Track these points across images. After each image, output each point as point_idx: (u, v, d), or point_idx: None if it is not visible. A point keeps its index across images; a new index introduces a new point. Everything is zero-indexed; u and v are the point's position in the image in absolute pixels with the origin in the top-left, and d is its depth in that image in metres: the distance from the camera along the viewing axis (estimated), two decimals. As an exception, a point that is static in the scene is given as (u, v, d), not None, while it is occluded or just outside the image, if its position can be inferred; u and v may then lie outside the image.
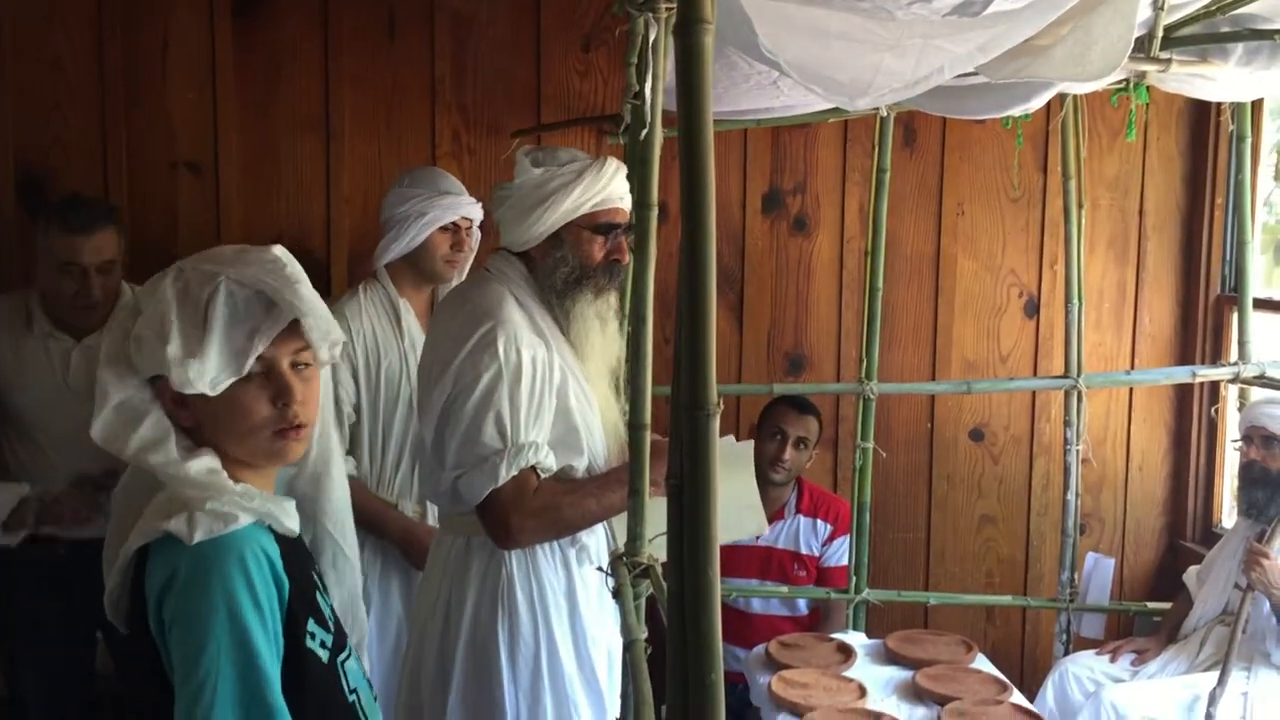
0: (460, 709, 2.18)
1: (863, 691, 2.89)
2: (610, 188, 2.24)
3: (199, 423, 1.52)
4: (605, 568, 1.85)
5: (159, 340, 1.47)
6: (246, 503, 1.47)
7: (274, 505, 1.51)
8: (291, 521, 1.53)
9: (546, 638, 2.18)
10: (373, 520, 2.82)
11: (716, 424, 0.89)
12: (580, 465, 2.24)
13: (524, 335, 2.17)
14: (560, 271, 2.25)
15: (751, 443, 2.67)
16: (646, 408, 1.67)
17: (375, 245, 3.06)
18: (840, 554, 3.64)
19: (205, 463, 1.50)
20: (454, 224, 3.02)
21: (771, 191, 3.96)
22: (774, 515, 3.65)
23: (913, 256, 3.99)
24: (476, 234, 3.08)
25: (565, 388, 2.21)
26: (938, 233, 4.00)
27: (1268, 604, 3.04)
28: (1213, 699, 2.99)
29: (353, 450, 2.91)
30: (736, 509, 2.50)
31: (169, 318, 1.47)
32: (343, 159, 3.62)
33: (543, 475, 2.17)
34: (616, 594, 1.69)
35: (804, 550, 3.66)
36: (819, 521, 3.68)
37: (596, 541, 2.28)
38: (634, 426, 1.69)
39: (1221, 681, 3.01)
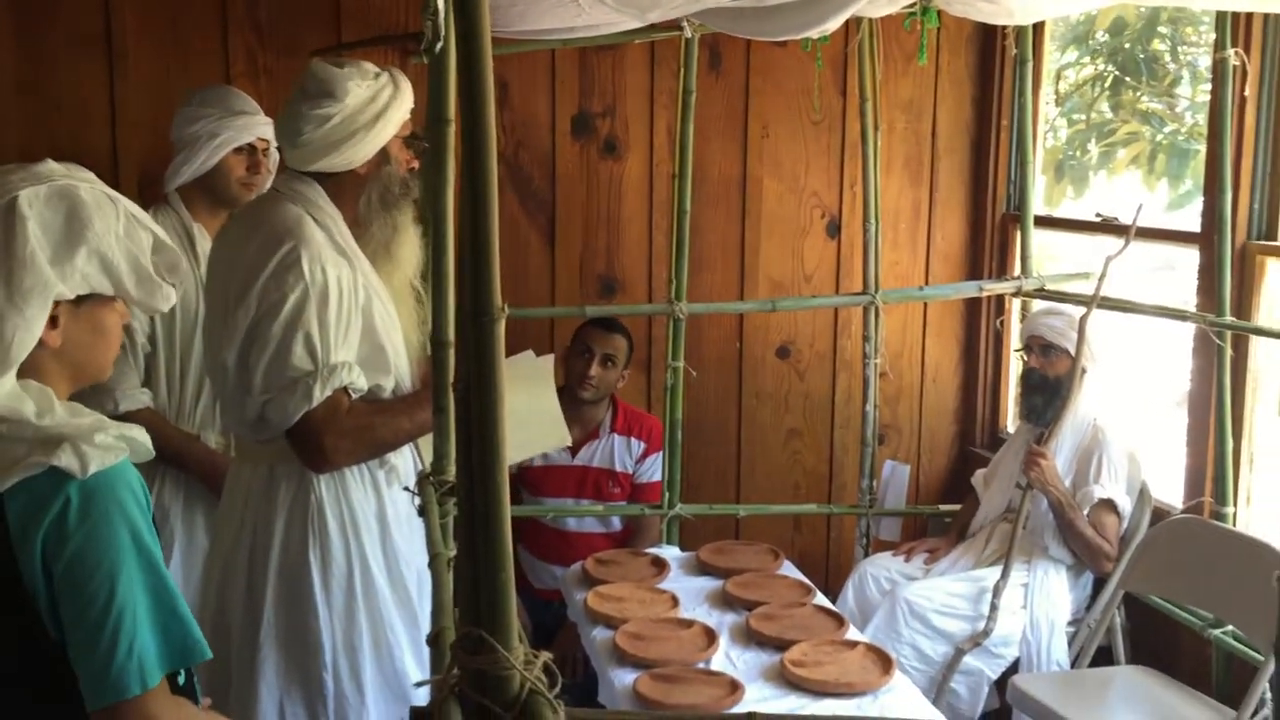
0: (273, 638, 2.16)
1: (675, 602, 2.99)
2: (409, 98, 2.25)
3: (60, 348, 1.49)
4: (413, 488, 1.85)
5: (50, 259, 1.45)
6: (127, 431, 1.47)
7: (135, 431, 1.50)
8: (149, 444, 1.52)
9: (359, 560, 2.17)
10: (174, 453, 2.74)
11: (501, 329, 0.90)
12: (388, 385, 2.23)
13: (328, 254, 2.13)
14: (393, 186, 2.25)
15: (551, 357, 2.70)
16: (450, 325, 1.67)
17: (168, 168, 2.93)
18: (654, 471, 3.73)
19: (46, 393, 1.46)
20: (249, 145, 2.91)
21: (580, 115, 3.95)
22: (589, 435, 3.71)
23: (720, 179, 4.06)
24: (275, 156, 2.98)
25: (370, 307, 2.19)
26: (744, 156, 4.07)
27: (1045, 501, 3.26)
28: (997, 591, 3.21)
29: (149, 382, 2.80)
30: (538, 423, 2.54)
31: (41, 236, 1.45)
32: (128, 79, 3.43)
33: (354, 396, 2.15)
34: (424, 512, 1.70)
35: (619, 468, 3.73)
36: (633, 440, 3.75)
37: (405, 463, 2.28)
38: (437, 344, 1.69)
39: (1005, 574, 3.23)
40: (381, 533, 2.21)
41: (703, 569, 3.28)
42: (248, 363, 2.10)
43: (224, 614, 2.23)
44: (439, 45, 1.64)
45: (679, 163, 3.57)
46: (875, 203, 3.72)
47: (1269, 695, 2.65)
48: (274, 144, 2.97)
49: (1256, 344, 3.14)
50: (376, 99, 2.20)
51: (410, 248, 2.29)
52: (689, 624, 2.85)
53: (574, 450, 3.70)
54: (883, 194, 3.84)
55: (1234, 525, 3.11)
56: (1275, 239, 3.10)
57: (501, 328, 0.91)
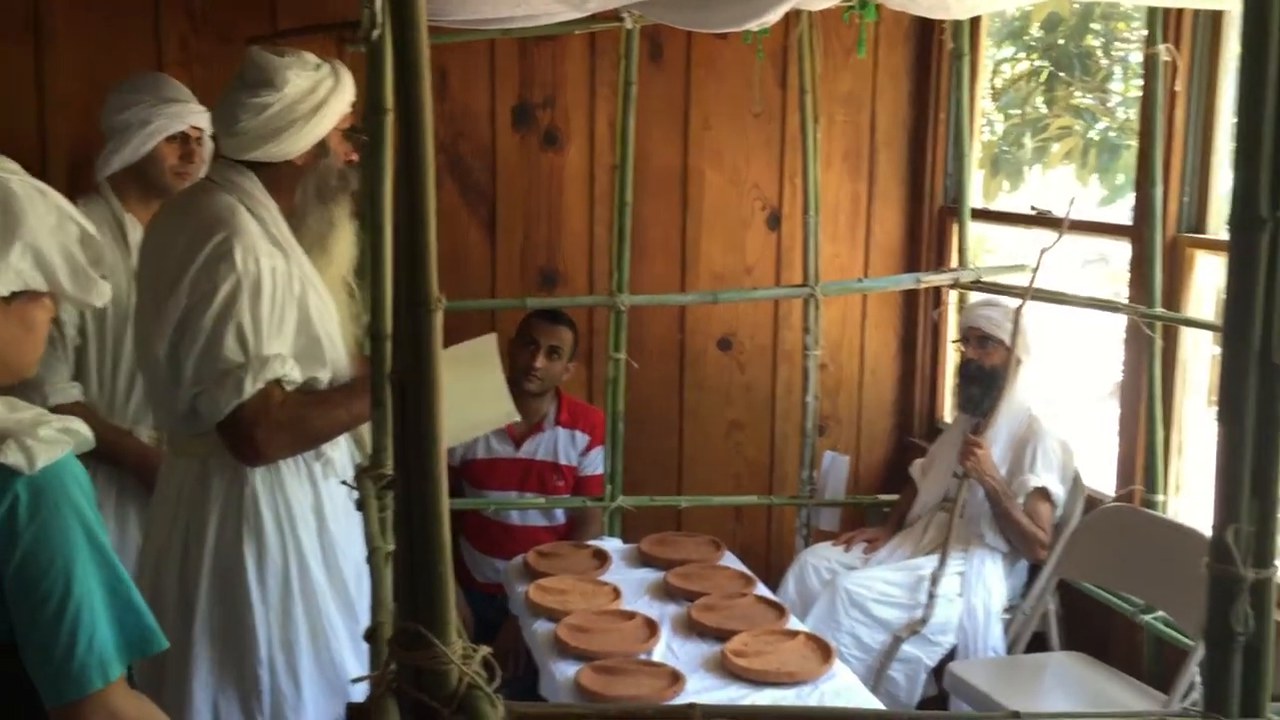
0: (207, 634, 2.13)
1: (617, 594, 2.99)
2: (350, 89, 2.22)
3: None
4: (350, 481, 1.84)
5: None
6: (69, 424, 1.45)
7: (76, 424, 1.47)
8: (90, 436, 1.49)
9: (296, 554, 2.14)
10: (107, 449, 2.68)
11: (438, 320, 0.90)
12: (324, 377, 2.20)
13: (261, 245, 2.10)
14: (331, 178, 2.23)
15: (493, 335, 2.69)
16: (387, 317, 1.65)
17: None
18: (597, 463, 3.73)
19: None
20: (182, 134, 2.86)
21: (521, 105, 3.93)
22: (533, 428, 3.70)
23: (661, 171, 4.06)
24: (209, 144, 2.93)
25: (306, 299, 2.16)
26: (685, 147, 4.08)
27: (982, 490, 3.31)
28: (934, 579, 3.25)
29: (80, 376, 2.74)
30: (485, 401, 2.53)
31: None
32: (57, 65, 3.35)
33: (288, 388, 2.12)
34: (362, 506, 1.68)
35: (563, 461, 3.73)
36: (577, 433, 3.74)
37: (341, 455, 2.26)
38: (375, 337, 1.67)
39: (942, 563, 3.27)
40: (318, 526, 2.18)
41: (644, 561, 3.28)
42: (178, 355, 2.06)
43: (157, 610, 2.17)
44: (376, 33, 1.62)
45: (620, 154, 3.56)
46: (815, 195, 3.74)
47: (1198, 679, 2.71)
48: (208, 132, 2.92)
49: (1186, 335, 3.21)
50: (316, 90, 2.17)
51: (345, 243, 2.27)
52: (630, 616, 2.86)
53: (518, 443, 3.69)
54: (822, 186, 3.87)
55: (1164, 513, 3.17)
56: (1205, 232, 3.17)
57: (439, 319, 0.90)
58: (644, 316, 4.02)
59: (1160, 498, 3.18)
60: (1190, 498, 3.24)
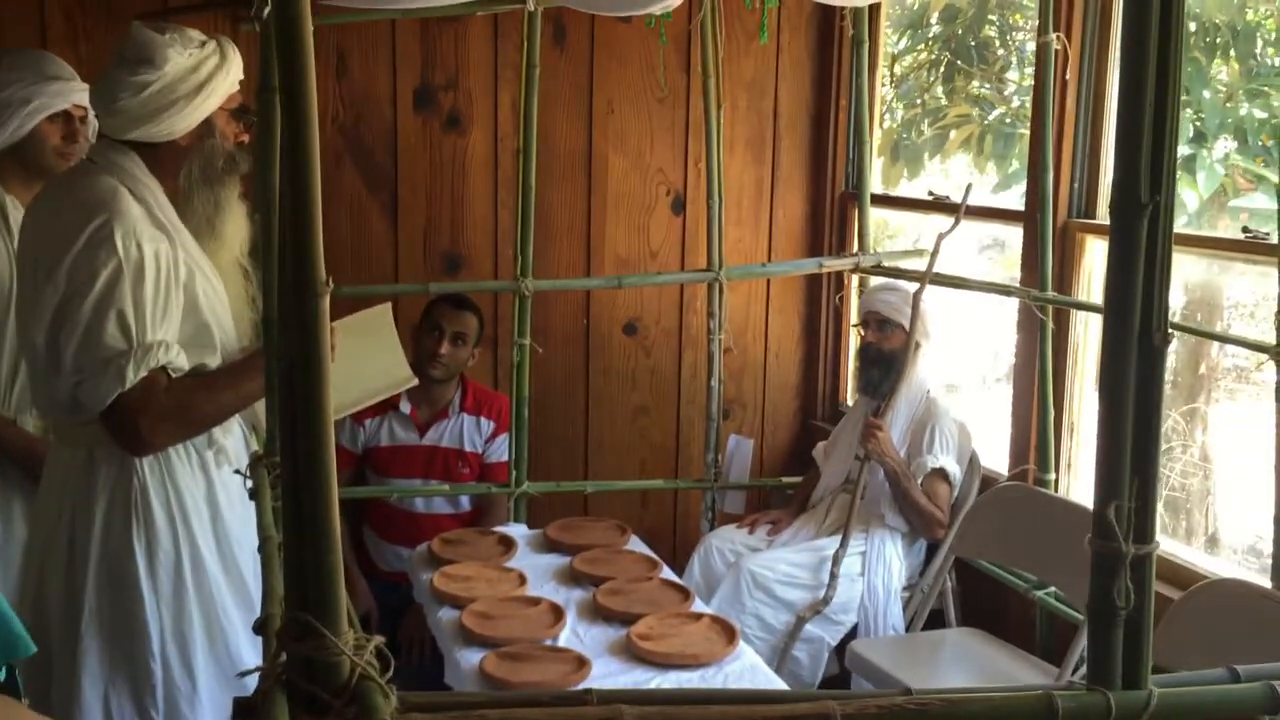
0: (95, 628, 2.06)
1: (523, 580, 2.98)
2: (237, 68, 2.16)
3: None
4: (244, 470, 1.79)
5: None
6: None
7: None
8: None
9: (189, 544, 2.09)
10: (-11, 438, 2.59)
11: (325, 305, 0.88)
12: (214, 362, 2.15)
13: (144, 229, 2.04)
14: (216, 159, 2.16)
15: (388, 305, 2.65)
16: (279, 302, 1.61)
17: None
18: (502, 450, 3.71)
19: None
20: (65, 113, 2.76)
21: (423, 87, 3.88)
22: (438, 414, 3.66)
23: (566, 155, 4.04)
24: (93, 124, 2.83)
25: (193, 283, 2.10)
26: (589, 131, 4.07)
27: (882, 471, 3.37)
28: (836, 559, 3.30)
29: (-41, 364, 2.63)
30: (381, 367, 2.51)
31: None
32: (-69, 40, 3.22)
33: (174, 376, 2.06)
34: (256, 495, 1.64)
35: (468, 448, 3.70)
36: (482, 419, 3.72)
37: (235, 443, 2.21)
38: (268, 321, 1.63)
39: (843, 544, 3.32)
40: (212, 516, 2.13)
41: (550, 546, 3.27)
42: (58, 343, 1.99)
43: (43, 605, 2.12)
44: (268, 10, 1.58)
45: (524, 138, 3.53)
46: (719, 180, 3.76)
47: (1088, 653, 2.79)
48: (93, 112, 2.82)
49: (1076, 317, 3.29)
50: (200, 68, 2.10)
51: (235, 224, 2.21)
52: (536, 602, 2.84)
53: (422, 430, 3.65)
54: (726, 171, 3.88)
55: (1056, 491, 3.26)
56: (1094, 217, 3.26)
57: (325, 303, 0.88)
58: (549, 301, 4.00)
59: (1052, 476, 3.27)
60: (1081, 476, 3.34)
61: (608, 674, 2.51)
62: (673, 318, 4.26)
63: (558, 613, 2.77)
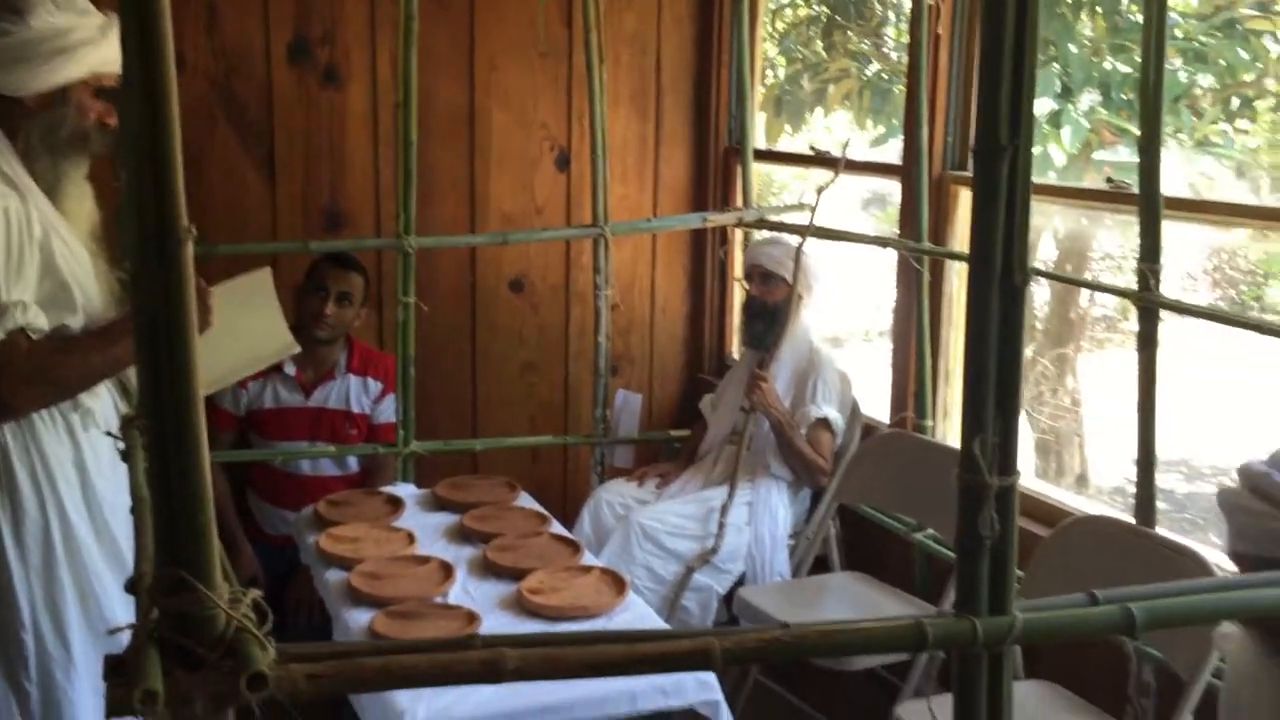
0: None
1: (412, 539, 2.96)
2: (117, 48, 2.06)
3: None
4: (115, 432, 1.74)
5: None
6: None
7: None
8: None
9: (57, 511, 2.02)
10: None
11: (188, 252, 0.86)
12: (76, 324, 2.07)
13: None
14: (61, 130, 2.06)
15: (267, 269, 2.59)
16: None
17: None
18: (390, 411, 3.66)
19: None
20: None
21: (297, 41, 3.78)
22: (324, 376, 3.61)
23: (447, 110, 3.98)
24: None
25: (49, 242, 2.02)
26: (471, 87, 4.01)
27: (767, 422, 3.43)
28: (724, 510, 3.35)
29: None
30: (263, 334, 2.45)
31: None
32: None
33: (34, 337, 1.99)
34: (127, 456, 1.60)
35: (355, 409, 3.65)
36: (369, 380, 3.67)
37: (104, 405, 2.14)
38: (134, 277, 1.58)
39: (731, 494, 3.37)
40: (81, 481, 2.06)
41: (439, 505, 3.26)
42: None
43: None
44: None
45: (403, 93, 3.46)
46: (603, 136, 3.75)
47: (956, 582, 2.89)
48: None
49: (951, 268, 3.38)
50: (71, 33, 2.00)
51: (79, 203, 2.11)
52: (425, 560, 2.83)
53: (308, 392, 3.59)
54: (610, 127, 3.87)
55: (933, 437, 3.36)
56: (967, 169, 3.34)
57: (189, 251, 0.86)
58: (433, 259, 3.96)
59: (929, 423, 3.36)
60: (957, 421, 3.44)
61: (498, 628, 2.52)
62: (559, 274, 4.25)
63: (447, 570, 2.77)
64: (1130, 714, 2.57)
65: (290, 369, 3.55)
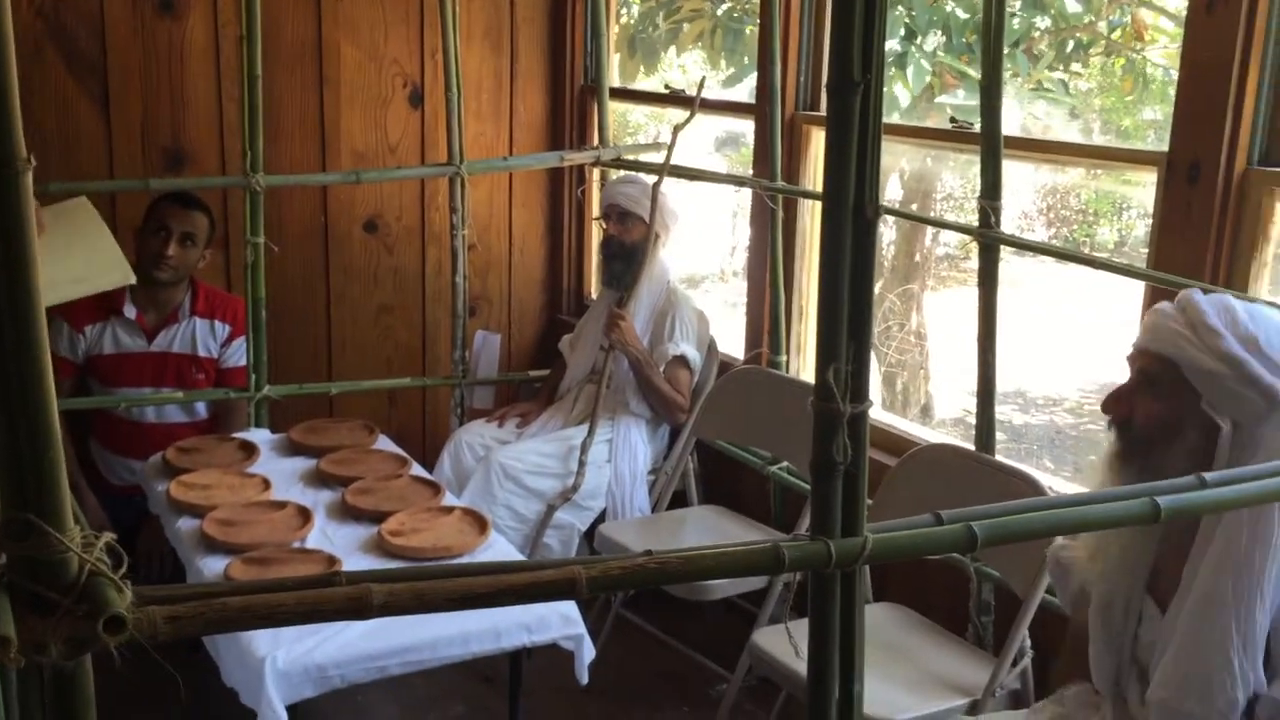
0: None
1: (267, 485, 2.91)
2: None
3: None
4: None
5: None
6: None
7: None
8: None
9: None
10: None
11: (27, 182, 0.82)
12: None
13: None
14: None
15: (83, 198, 2.47)
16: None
17: None
18: (240, 354, 3.56)
19: None
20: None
21: (130, -34, 3.59)
22: (167, 319, 3.48)
23: (294, 43, 3.85)
24: None
25: None
26: (318, 19, 3.89)
27: (626, 361, 3.46)
28: (584, 448, 3.38)
29: None
30: (96, 261, 2.36)
31: None
32: None
33: None
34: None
35: (201, 353, 3.53)
36: (216, 323, 3.56)
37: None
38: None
39: (590, 432, 3.40)
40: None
41: (295, 450, 3.21)
42: None
43: None
44: None
45: (246, 24, 3.33)
46: (456, 72, 3.68)
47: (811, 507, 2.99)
48: None
49: (804, 206, 3.45)
50: None
51: None
52: (282, 505, 2.79)
53: (150, 336, 3.46)
54: (464, 64, 3.80)
55: (787, 372, 3.45)
56: (819, 109, 3.40)
57: (28, 180, 0.82)
58: (283, 198, 3.85)
59: (783, 358, 3.45)
60: (810, 357, 3.54)
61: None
62: (414, 214, 4.18)
63: (305, 515, 2.73)
64: (971, 631, 2.72)
65: (130, 312, 3.42)
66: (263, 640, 2.20)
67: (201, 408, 3.58)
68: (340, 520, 2.78)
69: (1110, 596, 1.86)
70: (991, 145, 2.55)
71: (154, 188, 3.42)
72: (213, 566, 2.52)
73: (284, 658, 2.19)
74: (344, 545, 2.65)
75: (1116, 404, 1.80)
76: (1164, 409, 1.74)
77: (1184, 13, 2.45)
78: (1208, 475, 1.31)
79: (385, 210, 4.12)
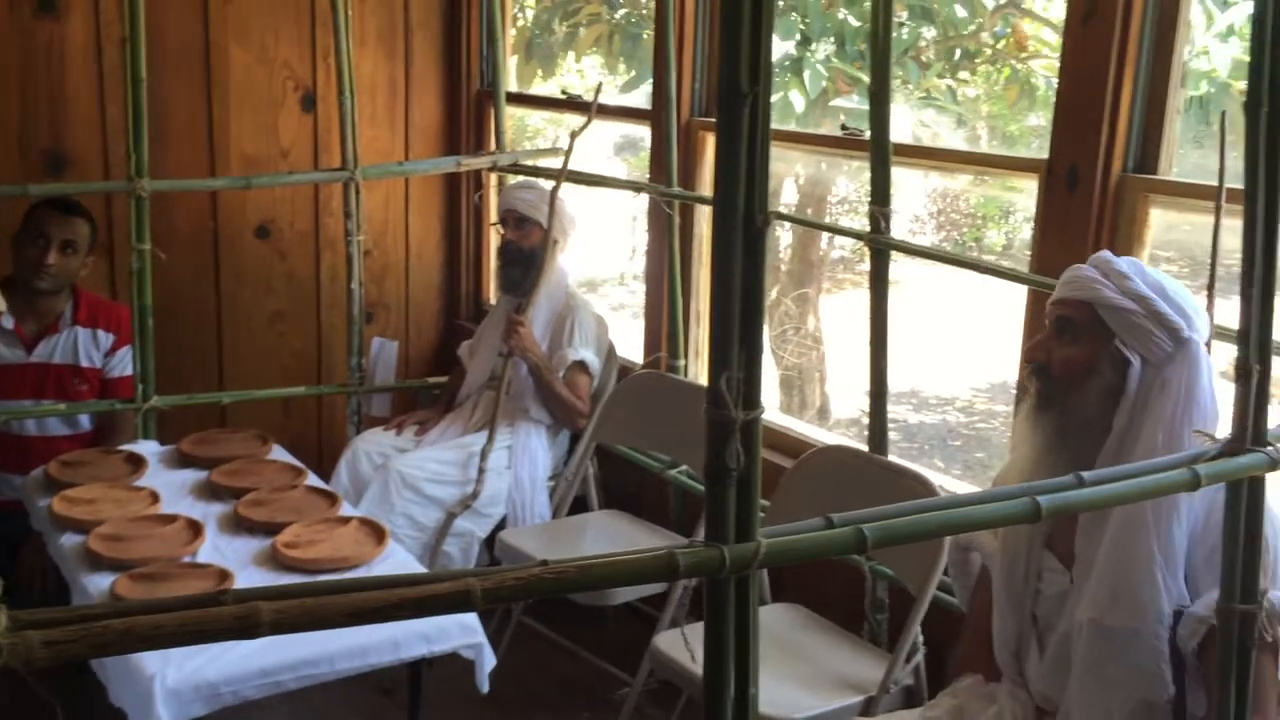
0: None
1: (156, 498, 2.83)
2: None
3: None
4: None
5: None
6: None
7: None
8: None
9: None
10: None
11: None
12: None
13: None
14: None
15: None
16: None
17: None
18: (125, 364, 3.46)
19: None
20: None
21: (5, -36, 3.47)
22: (47, 329, 3.37)
23: (180, 46, 3.77)
24: None
25: None
26: (205, 21, 3.81)
27: (525, 367, 3.45)
28: (483, 454, 3.36)
29: None
30: None
31: None
32: None
33: None
34: None
35: (84, 363, 3.43)
36: (100, 332, 3.45)
37: None
38: None
39: (490, 439, 3.38)
40: None
41: (185, 461, 3.13)
42: None
43: None
44: None
45: (130, 25, 3.24)
46: (350, 76, 3.63)
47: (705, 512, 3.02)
48: None
49: (701, 212, 3.48)
50: None
51: None
52: (171, 519, 2.72)
53: (29, 346, 3.34)
54: (357, 68, 3.76)
55: (685, 376, 3.47)
56: (713, 115, 3.43)
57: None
58: (170, 204, 3.75)
59: (681, 362, 3.47)
60: (707, 361, 3.56)
61: (254, 586, 2.45)
62: (308, 220, 4.11)
63: (196, 529, 2.67)
64: (867, 629, 2.77)
65: (8, 322, 3.30)
66: (151, 658, 2.15)
67: (86, 420, 3.47)
68: (233, 533, 2.72)
69: (1013, 555, 1.95)
70: (881, 153, 2.60)
71: (33, 193, 3.31)
72: (98, 584, 2.44)
73: (173, 676, 2.13)
74: (237, 559, 2.59)
75: (1034, 351, 1.92)
76: (1079, 352, 1.86)
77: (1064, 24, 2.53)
78: (1085, 474, 1.36)
79: (278, 215, 4.05)
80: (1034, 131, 5.79)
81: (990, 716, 1.96)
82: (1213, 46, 4.22)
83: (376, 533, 2.69)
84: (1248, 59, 1.32)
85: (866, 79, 3.91)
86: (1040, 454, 1.85)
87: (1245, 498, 1.42)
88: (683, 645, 2.53)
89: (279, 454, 3.21)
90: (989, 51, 5.54)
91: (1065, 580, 1.90)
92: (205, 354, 3.99)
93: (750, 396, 1.13)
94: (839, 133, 3.10)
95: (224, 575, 2.44)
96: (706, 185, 3.48)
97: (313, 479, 3.04)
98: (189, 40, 3.77)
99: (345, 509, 2.86)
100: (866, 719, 2.37)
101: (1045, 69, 5.12)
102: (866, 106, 2.66)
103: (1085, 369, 1.85)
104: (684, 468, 3.33)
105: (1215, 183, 1.96)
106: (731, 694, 1.18)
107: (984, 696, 2.01)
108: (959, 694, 2.04)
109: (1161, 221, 2.45)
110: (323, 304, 4.17)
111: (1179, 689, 1.75)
